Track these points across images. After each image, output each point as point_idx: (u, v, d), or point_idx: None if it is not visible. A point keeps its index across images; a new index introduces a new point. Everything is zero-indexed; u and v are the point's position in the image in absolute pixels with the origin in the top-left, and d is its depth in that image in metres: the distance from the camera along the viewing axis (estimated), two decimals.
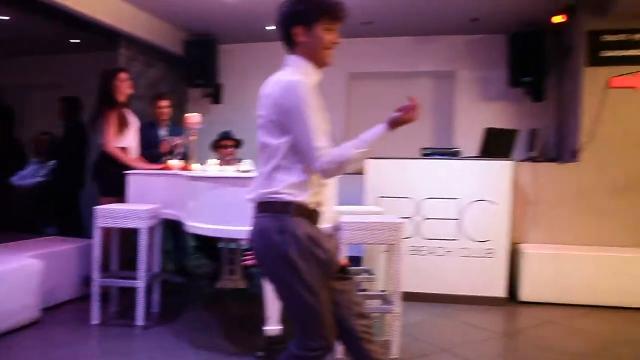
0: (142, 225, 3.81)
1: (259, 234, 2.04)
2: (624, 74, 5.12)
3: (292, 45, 2.09)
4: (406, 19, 6.09)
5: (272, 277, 2.03)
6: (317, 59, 2.07)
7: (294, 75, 2.00)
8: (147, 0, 5.62)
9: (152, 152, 5.02)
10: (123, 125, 4.69)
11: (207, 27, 6.61)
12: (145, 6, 5.83)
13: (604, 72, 5.17)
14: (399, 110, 2.01)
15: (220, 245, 5.03)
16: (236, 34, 6.83)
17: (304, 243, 1.96)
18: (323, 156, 1.92)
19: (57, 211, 6.02)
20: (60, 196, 5.90)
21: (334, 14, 2.04)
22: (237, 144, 5.43)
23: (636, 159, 5.05)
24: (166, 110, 5.36)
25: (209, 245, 5.30)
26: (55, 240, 4.82)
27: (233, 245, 4.95)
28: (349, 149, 1.96)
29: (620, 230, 5.01)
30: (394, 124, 2.02)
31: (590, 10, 5.23)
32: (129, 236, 4.40)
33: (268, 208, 2.02)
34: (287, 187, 2.01)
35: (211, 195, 3.49)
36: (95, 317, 3.90)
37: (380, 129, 2.02)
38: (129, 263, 4.32)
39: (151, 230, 3.99)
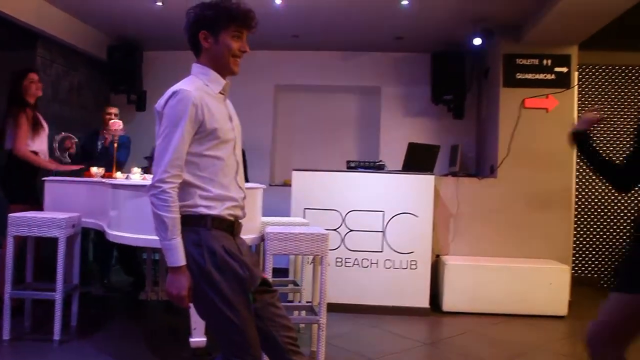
0: (60, 234, 3.63)
1: None
2: (536, 96, 5.43)
3: (197, 51, 2.05)
4: (333, 34, 6.18)
5: (192, 291, 1.97)
6: (223, 67, 2.03)
7: (183, 84, 1.96)
8: (70, 1, 5.39)
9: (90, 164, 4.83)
10: (36, 127, 4.44)
11: (131, 32, 6.43)
12: (68, 7, 5.59)
13: (518, 93, 5.47)
14: (178, 284, 1.89)
15: (144, 255, 4.89)
16: (161, 41, 6.68)
17: (221, 256, 1.92)
18: (166, 186, 1.86)
19: None
20: None
21: (242, 22, 2.00)
22: None
23: (548, 175, 5.35)
24: (107, 117, 5.21)
25: (129, 255, 5.14)
26: None
27: (157, 256, 4.82)
28: (173, 220, 1.87)
29: (535, 242, 5.29)
30: (171, 275, 1.90)
31: (506, 35, 5.53)
32: (46, 246, 4.18)
33: (184, 221, 1.94)
34: (202, 199, 1.96)
35: (133, 204, 3.38)
36: (6, 332, 3.66)
37: (173, 260, 1.88)
38: (45, 274, 4.10)
39: (70, 239, 3.81)
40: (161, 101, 1.97)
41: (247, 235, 3.47)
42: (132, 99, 7.01)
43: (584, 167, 6.25)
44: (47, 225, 3.63)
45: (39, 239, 3.93)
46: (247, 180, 5.00)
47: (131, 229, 3.33)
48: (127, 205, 3.41)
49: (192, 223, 1.94)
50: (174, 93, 1.93)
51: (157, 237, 3.15)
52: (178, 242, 1.89)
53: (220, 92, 2.06)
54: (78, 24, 5.97)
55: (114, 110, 5.19)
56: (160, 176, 1.88)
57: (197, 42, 2.03)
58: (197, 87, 1.97)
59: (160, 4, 5.35)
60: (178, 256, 1.88)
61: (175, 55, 7.07)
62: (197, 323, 3.13)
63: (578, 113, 5.57)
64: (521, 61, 5.49)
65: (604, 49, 6.02)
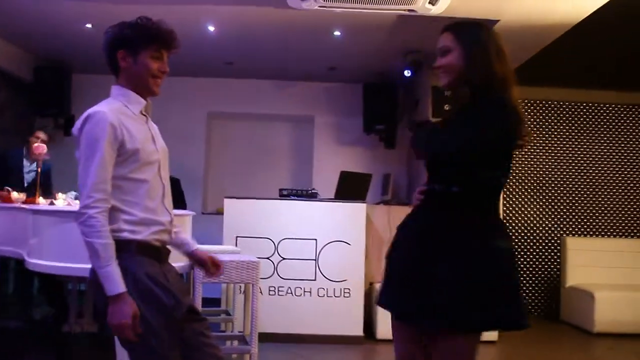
0: None
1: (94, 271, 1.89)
2: None
3: (116, 72, 2.00)
4: (267, 62, 6.22)
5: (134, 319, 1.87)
6: (142, 87, 1.99)
7: (99, 107, 1.90)
8: None
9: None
10: None
11: (60, 53, 6.23)
12: None
13: None
14: (121, 313, 1.76)
15: (70, 286, 4.67)
16: (91, 63, 6.48)
17: (144, 283, 1.85)
18: (91, 211, 1.78)
19: None
20: None
21: (162, 42, 1.97)
22: None
23: None
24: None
25: (52, 285, 4.88)
26: None
27: (82, 286, 4.60)
28: (104, 245, 1.78)
29: None
30: (111, 306, 1.77)
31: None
32: None
33: None
34: (126, 223, 1.89)
35: (56, 230, 3.23)
36: None
37: (110, 288, 1.77)
38: None
39: None
40: (77, 125, 1.89)
41: (176, 262, 3.37)
42: (59, 122, 6.75)
43: (511, 196, 6.51)
44: None
45: None
46: (184, 208, 4.90)
47: (54, 257, 3.17)
48: (49, 232, 3.25)
49: (116, 249, 1.86)
50: (89, 116, 1.86)
51: (82, 265, 3.04)
52: (113, 269, 1.78)
53: (141, 113, 2.00)
54: (0, 42, 5.73)
55: (41, 135, 4.97)
56: (85, 202, 1.80)
57: (115, 62, 1.97)
58: (115, 109, 1.91)
59: (89, 26, 5.23)
60: (115, 283, 1.77)
61: (106, 78, 6.73)
62: (123, 357, 3.00)
63: None
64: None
65: (527, 85, 6.34)
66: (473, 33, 1.96)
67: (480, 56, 1.89)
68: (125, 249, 1.87)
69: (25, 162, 4.90)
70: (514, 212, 6.58)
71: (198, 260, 2.25)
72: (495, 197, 1.93)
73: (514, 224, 6.57)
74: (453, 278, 1.79)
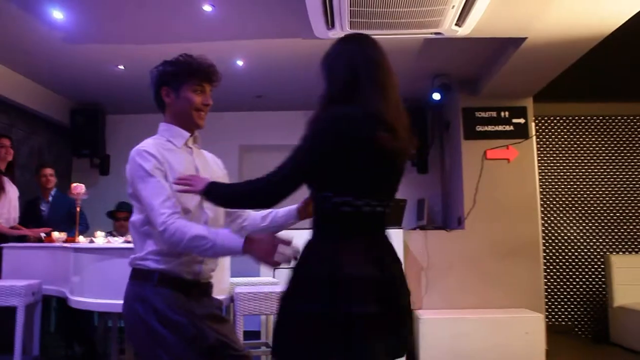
0: (19, 302, 3.46)
1: (124, 302, 1.96)
2: (497, 147, 5.56)
3: (162, 109, 2.07)
4: (295, 94, 6.24)
5: (139, 349, 1.90)
6: (186, 121, 2.03)
7: (145, 143, 1.97)
8: (30, 66, 5.36)
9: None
10: None
11: (94, 96, 6.41)
12: (28, 72, 5.55)
13: (480, 145, 5.59)
14: (260, 247, 1.75)
15: (109, 322, 4.68)
16: (124, 104, 6.67)
17: (163, 312, 1.85)
18: (167, 223, 1.82)
19: None
20: None
21: (203, 75, 2.02)
22: (129, 216, 5.16)
23: (513, 224, 5.41)
24: (51, 179, 5.10)
25: (77, 324, 4.89)
26: None
27: (122, 322, 4.62)
28: (196, 236, 1.79)
29: (506, 291, 5.28)
30: (249, 251, 1.76)
31: (464, 89, 5.70)
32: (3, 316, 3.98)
33: (133, 274, 1.94)
34: (151, 253, 1.91)
35: (96, 268, 3.27)
36: None
37: (236, 245, 1.77)
38: (2, 346, 3.88)
39: (29, 308, 3.63)
40: (127, 167, 1.98)
41: (217, 296, 3.37)
42: (95, 162, 6.91)
43: (549, 214, 6.36)
44: (4, 293, 3.46)
45: None
46: None
47: (95, 294, 3.20)
48: (90, 270, 3.29)
49: (139, 277, 1.91)
50: (133, 153, 1.96)
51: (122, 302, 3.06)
52: (221, 239, 1.78)
53: (187, 145, 2.03)
54: (39, 88, 5.92)
55: (48, 171, 5.12)
56: (158, 222, 1.83)
57: (160, 99, 2.04)
58: (156, 143, 1.98)
59: (122, 67, 5.36)
60: (235, 242, 1.77)
61: (139, 118, 7.05)
62: None
63: (538, 163, 5.71)
64: (480, 114, 5.64)
65: (558, 101, 6.26)
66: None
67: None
68: (147, 278, 1.89)
69: (41, 203, 5.05)
70: (553, 230, 6.42)
71: (300, 212, 2.26)
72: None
73: (553, 243, 6.40)
74: None
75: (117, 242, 3.58)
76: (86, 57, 5.10)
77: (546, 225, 6.36)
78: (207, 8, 4.07)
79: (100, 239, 3.75)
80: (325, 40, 4.13)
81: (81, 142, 6.64)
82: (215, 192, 1.83)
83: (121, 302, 3.08)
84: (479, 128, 5.63)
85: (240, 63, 5.27)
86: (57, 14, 4.15)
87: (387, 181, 1.81)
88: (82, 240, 3.97)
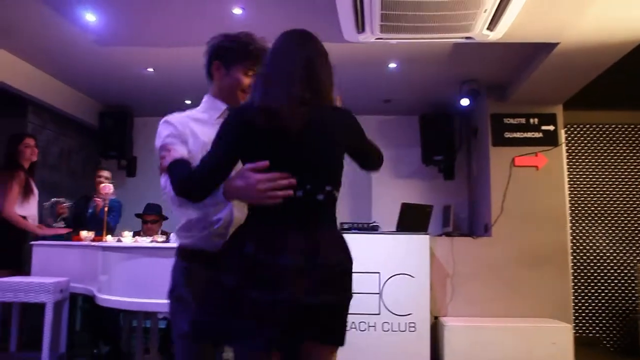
0: (47, 299, 3.50)
1: None
2: (526, 154, 5.48)
3: (209, 78, 2.08)
4: None
5: None
6: (230, 99, 2.04)
7: (172, 114, 2.03)
8: (61, 68, 5.45)
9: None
10: (26, 191, 4.41)
11: (122, 98, 6.49)
12: (59, 74, 5.65)
13: (508, 152, 5.52)
14: (242, 194, 1.75)
15: (134, 322, 4.71)
16: (152, 107, 6.72)
17: (175, 287, 1.96)
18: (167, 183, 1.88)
19: None
20: None
21: (257, 59, 2.00)
22: (160, 218, 5.20)
23: (540, 233, 5.32)
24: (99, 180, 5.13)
25: (103, 322, 4.92)
26: None
27: (148, 323, 4.64)
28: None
29: (533, 300, 5.19)
30: (229, 194, 1.77)
31: (492, 95, 5.64)
32: (31, 312, 4.04)
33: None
34: (179, 229, 2.00)
35: (124, 266, 3.29)
36: None
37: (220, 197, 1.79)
38: (30, 343, 3.94)
39: (58, 305, 3.68)
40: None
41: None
42: (122, 164, 7.00)
43: (578, 222, 6.25)
44: (34, 290, 3.51)
45: (24, 305, 3.79)
46: None
47: (123, 293, 3.23)
48: (118, 268, 3.32)
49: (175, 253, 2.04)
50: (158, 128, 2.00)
51: (150, 300, 3.08)
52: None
53: (220, 118, 2.03)
54: (69, 90, 6.02)
55: (105, 173, 5.14)
56: (162, 184, 1.94)
57: (209, 71, 2.06)
58: (183, 114, 2.02)
59: (151, 70, 5.42)
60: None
61: None
62: None
63: (568, 171, 5.63)
64: (508, 120, 5.57)
65: (589, 109, 6.16)
66: None
67: None
68: (175, 253, 2.00)
69: (90, 204, 5.06)
70: (582, 239, 6.30)
71: None
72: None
73: (582, 253, 6.28)
74: None
75: (145, 241, 3.61)
76: (116, 60, 5.17)
77: (575, 234, 6.24)
78: (237, 11, 4.09)
79: (128, 238, 3.78)
80: (355, 44, 4.13)
81: (109, 144, 6.72)
82: (170, 171, 1.82)
83: (148, 300, 3.12)
84: (508, 134, 5.56)
85: None
86: (90, 17, 4.21)
87: (306, 166, 1.77)
88: (109, 240, 4.01)
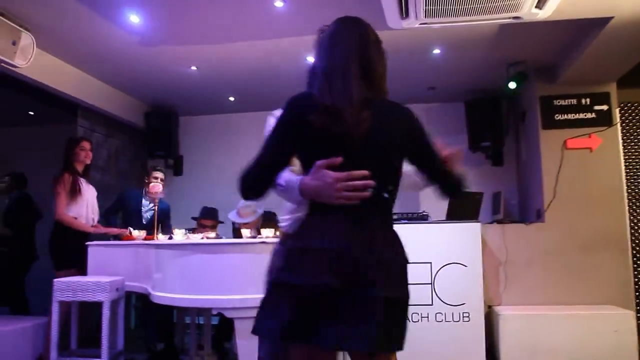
0: (104, 297, 3.58)
1: None
2: (578, 136, 5.30)
3: None
4: None
5: None
6: None
7: None
8: (108, 71, 5.56)
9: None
10: (74, 192, 4.53)
11: (167, 98, 6.57)
12: (106, 77, 5.77)
13: (559, 134, 5.34)
14: (316, 193, 1.70)
15: (187, 319, 4.78)
16: (196, 105, 6.81)
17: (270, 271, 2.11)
18: None
19: (8, 287, 5.63)
20: (11, 270, 5.55)
21: None
22: (217, 223, 5.22)
23: (597, 216, 5.14)
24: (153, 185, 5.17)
25: (165, 319, 5.00)
26: (5, 318, 4.48)
27: (201, 319, 4.71)
28: (277, 183, 1.82)
29: (592, 287, 5.02)
30: (310, 197, 1.74)
31: (541, 77, 5.46)
32: (90, 311, 4.14)
33: None
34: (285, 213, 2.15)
35: (177, 264, 3.32)
36: None
37: (296, 195, 1.75)
38: (90, 340, 4.04)
39: (114, 303, 3.75)
40: None
41: None
42: (169, 163, 7.10)
43: (637, 205, 6.02)
44: (91, 289, 3.59)
45: (83, 303, 3.88)
46: None
47: (176, 290, 3.26)
48: (171, 266, 3.35)
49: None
50: None
51: (202, 296, 3.10)
52: (288, 187, 1.79)
53: None
54: (116, 92, 6.14)
55: (159, 175, 5.15)
56: None
57: None
58: None
59: (194, 68, 5.46)
60: (294, 193, 1.76)
61: (211, 119, 7.22)
62: None
63: (624, 151, 5.41)
64: (559, 102, 5.39)
65: None
66: None
67: None
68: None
69: (144, 202, 5.10)
70: None
71: None
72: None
73: None
74: None
75: (196, 238, 3.64)
76: (160, 59, 5.23)
77: (634, 216, 6.01)
78: (279, 4, 4.08)
79: (180, 236, 3.82)
80: (398, 31, 4.05)
81: (155, 144, 6.83)
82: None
83: (200, 296, 3.14)
84: (558, 117, 5.38)
85: (310, 59, 5.25)
86: (134, 18, 4.27)
87: (365, 166, 1.70)
88: (161, 238, 4.06)
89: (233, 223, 5.12)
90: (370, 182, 1.66)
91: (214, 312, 3.26)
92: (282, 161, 1.75)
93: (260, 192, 1.76)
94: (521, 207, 6.31)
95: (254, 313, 3.07)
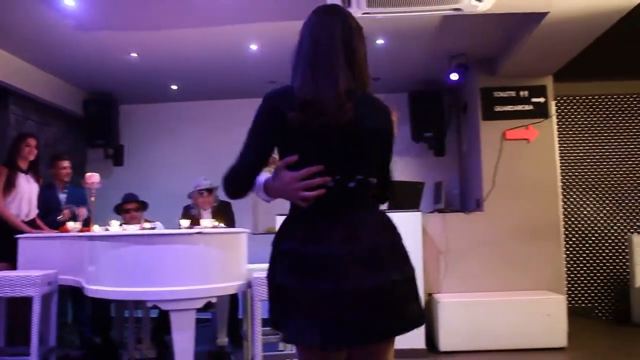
0: (34, 292, 3.43)
1: None
2: (516, 127, 5.45)
3: None
4: None
5: None
6: None
7: None
8: (42, 56, 5.32)
9: (53, 217, 4.69)
10: (8, 186, 4.41)
11: (107, 85, 6.37)
12: (40, 63, 5.52)
13: (498, 126, 5.48)
14: (278, 193, 1.72)
15: (126, 312, 4.66)
16: (138, 93, 6.63)
17: None
18: None
19: None
20: None
21: None
22: (141, 206, 5.13)
23: (535, 205, 5.31)
24: (66, 171, 5.08)
25: (94, 313, 4.87)
26: None
27: (140, 313, 4.60)
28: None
29: (527, 273, 5.19)
30: (272, 194, 1.75)
31: (481, 69, 5.58)
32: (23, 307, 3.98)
33: None
34: None
35: (112, 256, 3.22)
36: None
37: (264, 196, 1.77)
38: (18, 337, 3.89)
39: (45, 298, 3.61)
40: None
41: (233, 282, 3.34)
42: (109, 153, 6.90)
43: (570, 195, 6.26)
44: (20, 284, 3.43)
45: (12, 299, 3.72)
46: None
47: (111, 282, 3.16)
48: (105, 258, 3.25)
49: None
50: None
51: (138, 289, 3.03)
52: (258, 187, 1.77)
53: None
54: (51, 78, 5.90)
55: (66, 164, 5.10)
56: None
57: None
58: None
59: (135, 55, 5.31)
60: (262, 193, 1.77)
61: (153, 107, 7.05)
62: None
63: (559, 143, 5.60)
64: (498, 94, 5.52)
65: (579, 80, 6.12)
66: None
67: None
68: None
69: (61, 196, 5.02)
70: (574, 211, 6.31)
71: None
72: None
73: (575, 225, 6.30)
74: None
75: (133, 228, 3.54)
76: (98, 45, 5.05)
77: (567, 206, 6.25)
78: None
79: (115, 227, 3.71)
80: None
81: (95, 133, 6.62)
82: None
83: (136, 289, 3.06)
84: (498, 108, 5.51)
85: (254, 47, 5.20)
86: (69, 1, 4.10)
87: (338, 156, 1.72)
88: (97, 229, 3.94)
89: (188, 208, 5.11)
90: (327, 179, 1.66)
91: (149, 305, 3.18)
92: (264, 159, 1.75)
93: (245, 191, 1.76)
94: (462, 196, 6.46)
95: (189, 305, 3.04)
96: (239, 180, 1.74)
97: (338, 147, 1.71)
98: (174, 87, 6.30)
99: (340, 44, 1.76)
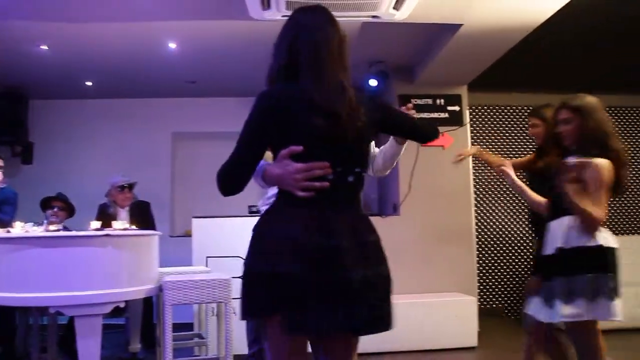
0: None
1: None
2: None
3: None
4: (230, 79, 6.08)
5: None
6: None
7: None
8: None
9: None
10: None
11: (15, 79, 6.00)
12: None
13: None
14: (276, 181, 1.77)
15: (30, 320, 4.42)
16: (50, 89, 6.32)
17: None
18: None
19: None
20: None
21: None
22: (68, 207, 4.90)
23: (447, 211, 5.49)
24: None
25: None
26: None
27: (45, 320, 4.37)
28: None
29: (441, 276, 5.36)
30: (269, 181, 1.80)
31: (400, 76, 5.73)
32: None
33: None
34: None
35: (11, 259, 3.03)
36: None
37: (261, 182, 1.84)
38: None
39: None
40: None
41: (142, 286, 3.23)
42: (17, 151, 6.52)
43: (481, 201, 6.51)
44: None
45: None
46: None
47: (8, 288, 2.97)
48: (6, 262, 3.06)
49: None
50: None
51: (40, 294, 2.87)
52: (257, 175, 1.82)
53: None
54: None
55: None
56: None
57: None
58: None
59: (45, 47, 5.05)
60: (259, 180, 1.84)
61: (66, 104, 6.73)
62: None
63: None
64: (416, 101, 5.67)
65: (491, 91, 6.40)
66: None
67: None
68: None
69: None
70: (486, 217, 6.57)
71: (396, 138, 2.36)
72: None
73: (486, 229, 6.56)
74: None
75: (37, 230, 3.34)
76: (3, 35, 4.75)
77: (479, 211, 6.50)
78: None
79: (18, 229, 3.49)
80: (261, 22, 4.02)
81: (1, 129, 6.23)
82: None
83: (38, 294, 2.89)
84: (415, 115, 5.63)
85: (173, 46, 5.08)
86: None
87: (339, 150, 1.77)
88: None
89: (105, 207, 4.95)
90: (328, 170, 1.70)
91: (52, 311, 3.02)
92: (259, 156, 1.77)
93: (240, 188, 1.77)
94: (380, 200, 6.57)
95: (94, 310, 2.91)
96: (233, 177, 1.76)
97: (337, 140, 1.75)
98: (89, 83, 6.05)
99: (336, 43, 1.83)
